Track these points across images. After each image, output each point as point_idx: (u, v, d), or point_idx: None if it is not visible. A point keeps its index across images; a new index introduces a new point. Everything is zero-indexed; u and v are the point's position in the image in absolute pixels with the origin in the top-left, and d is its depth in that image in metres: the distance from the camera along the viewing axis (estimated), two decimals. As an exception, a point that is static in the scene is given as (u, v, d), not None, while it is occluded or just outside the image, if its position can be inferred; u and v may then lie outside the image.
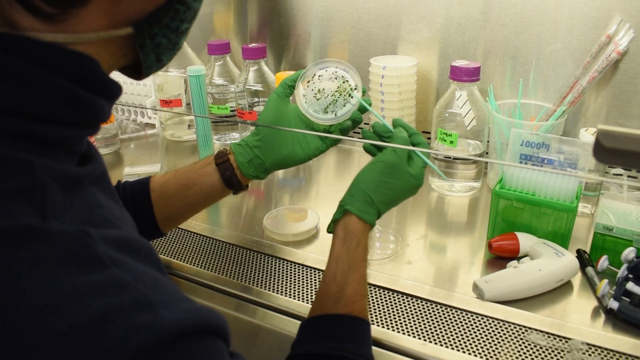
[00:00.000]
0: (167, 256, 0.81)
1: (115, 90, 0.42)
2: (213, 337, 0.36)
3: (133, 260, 0.35)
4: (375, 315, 0.68)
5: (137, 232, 0.43)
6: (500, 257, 0.78)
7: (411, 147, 0.65)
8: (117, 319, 0.31)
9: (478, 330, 0.65)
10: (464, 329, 0.65)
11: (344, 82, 0.70)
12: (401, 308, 0.69)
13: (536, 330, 0.64)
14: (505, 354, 0.61)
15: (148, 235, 0.73)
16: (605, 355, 0.60)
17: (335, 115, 0.69)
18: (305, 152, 0.72)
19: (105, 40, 0.39)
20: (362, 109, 0.71)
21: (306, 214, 0.91)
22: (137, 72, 0.45)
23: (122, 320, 0.31)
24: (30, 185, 0.33)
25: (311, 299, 0.71)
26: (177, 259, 0.80)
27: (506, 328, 0.65)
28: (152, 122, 1.34)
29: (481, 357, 0.61)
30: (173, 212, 0.73)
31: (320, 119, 0.70)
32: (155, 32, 0.42)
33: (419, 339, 0.64)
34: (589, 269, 0.74)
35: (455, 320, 0.66)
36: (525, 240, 0.77)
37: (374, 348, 0.63)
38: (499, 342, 0.63)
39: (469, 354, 0.61)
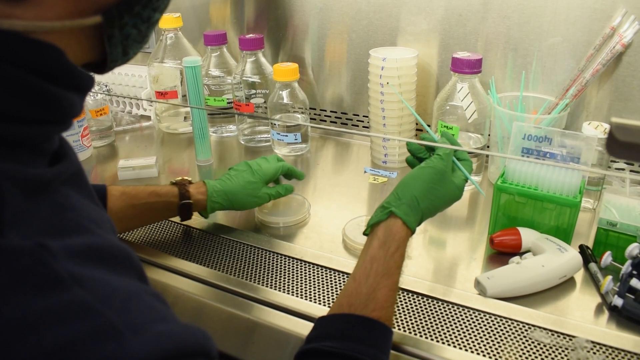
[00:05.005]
0: (163, 251, 0.79)
1: (85, 82, 0.38)
2: (195, 359, 0.33)
3: (105, 272, 0.32)
4: (375, 312, 0.66)
5: (116, 236, 0.40)
6: (502, 252, 0.77)
7: (455, 147, 0.68)
8: (77, 351, 0.28)
9: (480, 327, 0.63)
10: (465, 326, 0.64)
11: None
12: (402, 304, 0.67)
13: (539, 327, 0.63)
14: (508, 352, 0.60)
15: None
16: (610, 354, 0.59)
17: None
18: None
19: (69, 31, 0.36)
20: None
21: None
22: (100, 66, 0.42)
23: (82, 352, 0.28)
24: None
25: (309, 295, 0.69)
26: (171, 254, 0.78)
27: (509, 325, 0.64)
28: (148, 114, 1.33)
29: (484, 355, 0.59)
30: (122, 229, 0.81)
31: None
32: (126, 21, 0.39)
33: (420, 336, 0.62)
34: (592, 265, 0.73)
35: (457, 317, 0.65)
36: (528, 236, 0.76)
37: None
38: (501, 340, 0.61)
39: (472, 351, 0.60)
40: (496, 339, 0.62)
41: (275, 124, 1.11)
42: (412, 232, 0.62)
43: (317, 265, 0.75)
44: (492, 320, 0.64)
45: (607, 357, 0.59)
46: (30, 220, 0.32)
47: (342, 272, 0.73)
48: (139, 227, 0.84)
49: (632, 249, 0.66)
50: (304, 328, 0.63)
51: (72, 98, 0.37)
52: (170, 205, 0.78)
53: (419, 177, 0.64)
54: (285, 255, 0.77)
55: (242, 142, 1.19)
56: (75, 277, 0.30)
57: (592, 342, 0.60)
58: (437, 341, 0.62)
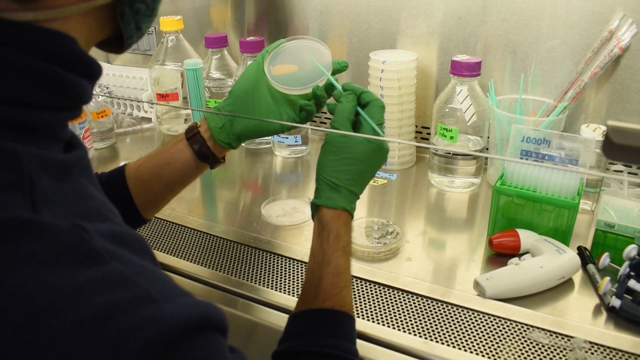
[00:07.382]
0: (164, 252, 0.80)
1: (95, 69, 0.40)
2: (215, 333, 0.35)
3: (130, 255, 0.34)
4: (375, 313, 0.67)
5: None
6: (500, 254, 0.78)
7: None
8: (120, 315, 0.30)
9: (479, 328, 0.64)
10: (464, 327, 0.64)
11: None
12: (401, 305, 0.68)
13: (538, 328, 0.63)
14: (507, 352, 0.60)
15: (131, 224, 0.71)
16: (607, 354, 0.60)
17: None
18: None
19: (83, 13, 0.37)
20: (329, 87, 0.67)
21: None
22: (117, 45, 0.44)
23: (125, 316, 0.30)
24: (17, 176, 0.32)
25: (310, 296, 0.70)
26: (173, 255, 0.79)
27: (507, 326, 0.64)
28: (149, 116, 1.33)
29: (483, 356, 0.60)
30: (152, 196, 0.70)
31: (287, 88, 0.67)
32: None
33: (420, 336, 0.63)
34: (590, 267, 0.73)
35: (456, 318, 0.66)
36: (526, 237, 0.76)
37: (374, 346, 0.63)
38: (500, 340, 0.62)
39: (471, 352, 0.60)
40: (495, 339, 0.62)
41: (275, 126, 1.11)
42: (345, 209, 0.59)
43: (318, 266, 0.75)
44: (491, 321, 0.65)
45: (605, 357, 0.59)
46: (59, 203, 0.33)
47: (342, 273, 0.74)
48: (166, 191, 0.71)
49: (630, 250, 0.66)
50: (305, 328, 0.64)
51: (84, 84, 0.39)
52: (184, 147, 0.69)
53: (321, 160, 0.61)
54: (285, 257, 0.78)
55: (242, 144, 1.20)
56: (111, 253, 0.32)
57: (590, 342, 0.61)
58: (437, 342, 0.62)
